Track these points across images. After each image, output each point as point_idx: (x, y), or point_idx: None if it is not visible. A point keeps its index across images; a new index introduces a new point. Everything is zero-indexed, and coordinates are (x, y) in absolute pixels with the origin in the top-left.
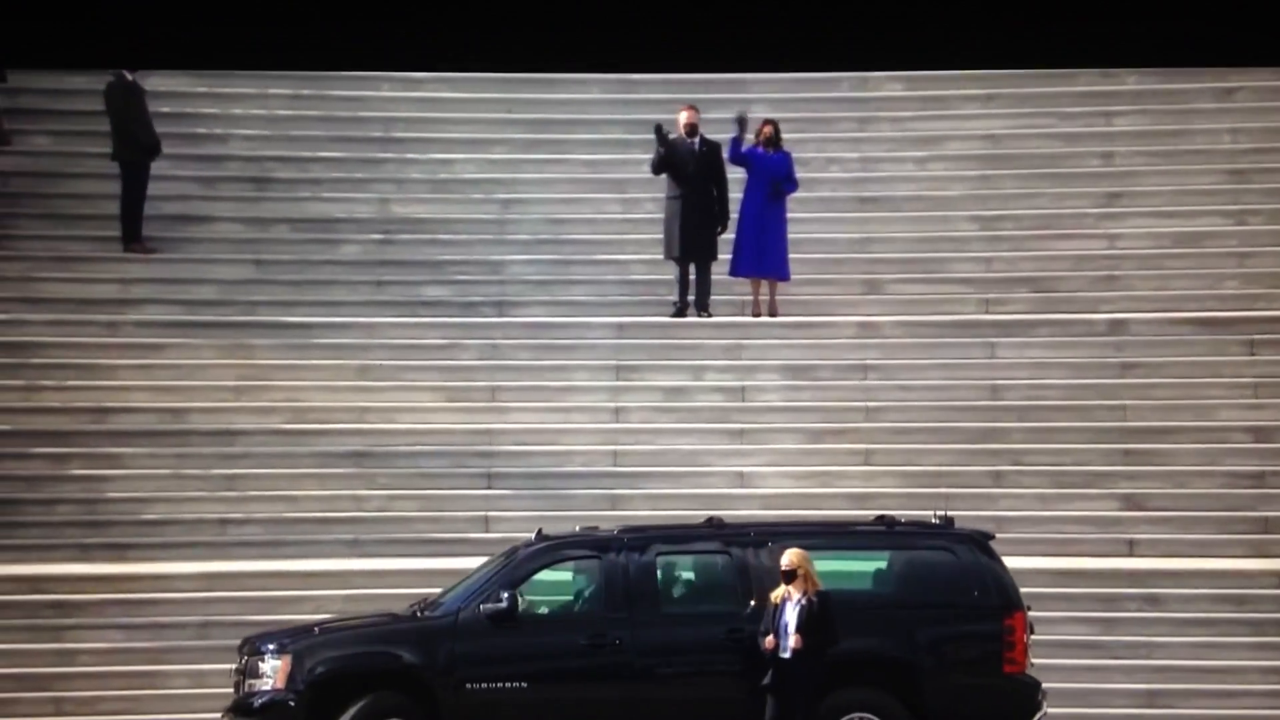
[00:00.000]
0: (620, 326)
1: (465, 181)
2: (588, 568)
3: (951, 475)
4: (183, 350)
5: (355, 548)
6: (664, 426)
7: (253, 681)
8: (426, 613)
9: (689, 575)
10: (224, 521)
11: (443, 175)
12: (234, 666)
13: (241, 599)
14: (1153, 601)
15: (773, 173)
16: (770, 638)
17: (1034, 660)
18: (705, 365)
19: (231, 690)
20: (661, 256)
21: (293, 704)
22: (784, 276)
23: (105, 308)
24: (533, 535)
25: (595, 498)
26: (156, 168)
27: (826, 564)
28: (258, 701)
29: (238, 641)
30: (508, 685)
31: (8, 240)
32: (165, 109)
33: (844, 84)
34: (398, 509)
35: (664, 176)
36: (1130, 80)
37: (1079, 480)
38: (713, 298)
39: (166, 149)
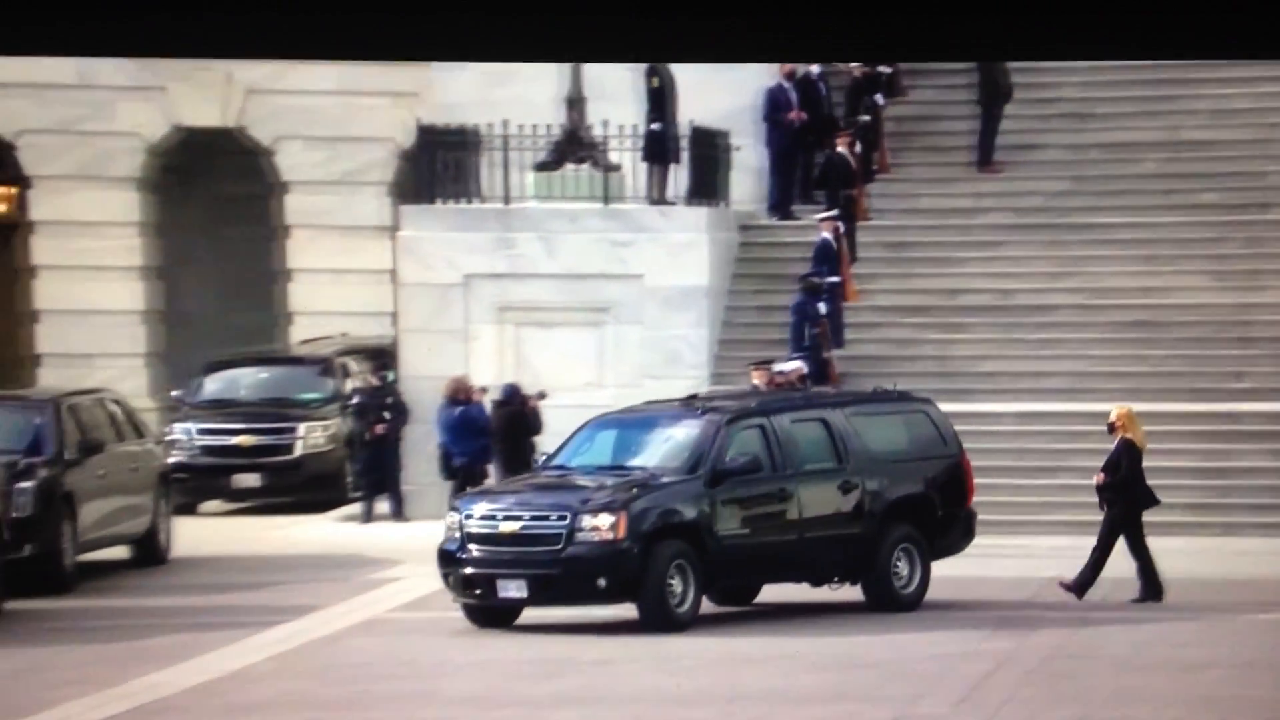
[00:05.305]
0: None
1: (1239, 110)
2: (753, 435)
3: None
4: (1014, 245)
5: (1134, 396)
6: None
7: (581, 533)
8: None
9: (809, 436)
10: (1038, 374)
11: (1221, 106)
12: (459, 518)
13: (1049, 431)
14: None
15: None
16: (1100, 475)
17: None
18: None
19: (454, 533)
20: None
21: (636, 551)
22: None
23: (961, 215)
24: (678, 400)
25: None
26: (1008, 108)
27: (858, 420)
28: (597, 551)
29: (1046, 465)
30: (738, 532)
31: (898, 166)
32: (1013, 62)
33: None
34: (1168, 366)
35: None
36: None
37: None
38: None
39: (1015, 94)
